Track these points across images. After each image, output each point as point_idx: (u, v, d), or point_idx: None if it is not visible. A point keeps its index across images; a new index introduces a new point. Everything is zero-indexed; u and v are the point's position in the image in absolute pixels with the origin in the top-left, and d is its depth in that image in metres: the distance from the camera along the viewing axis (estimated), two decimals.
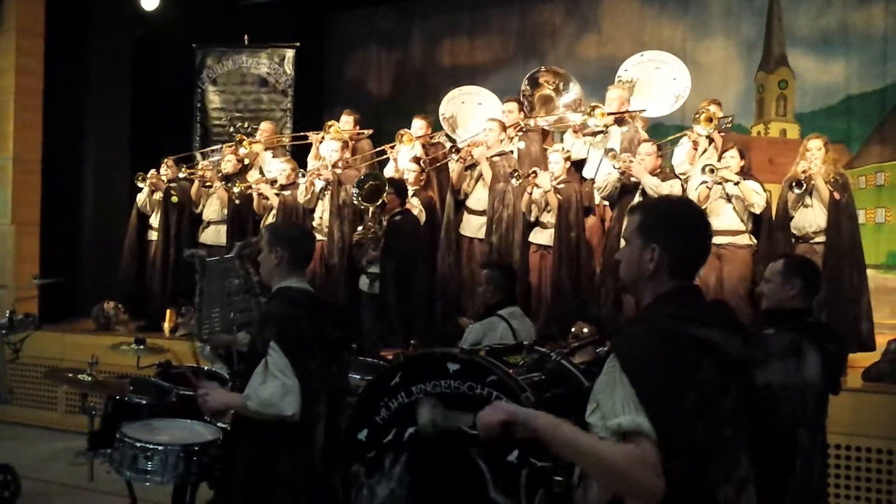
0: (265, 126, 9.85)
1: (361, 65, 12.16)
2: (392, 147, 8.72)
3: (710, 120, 7.00)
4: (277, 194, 8.64)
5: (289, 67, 10.98)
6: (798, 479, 3.71)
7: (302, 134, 9.37)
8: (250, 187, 8.89)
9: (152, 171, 9.46)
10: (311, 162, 8.99)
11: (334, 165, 8.39)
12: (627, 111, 7.76)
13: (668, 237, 2.36)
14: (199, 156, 10.16)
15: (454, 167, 8.03)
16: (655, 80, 8.09)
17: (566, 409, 2.82)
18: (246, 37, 11.18)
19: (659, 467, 2.11)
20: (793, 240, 6.74)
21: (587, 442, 2.24)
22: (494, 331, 5.39)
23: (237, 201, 8.81)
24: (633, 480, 2.13)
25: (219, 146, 10.38)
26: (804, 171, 6.62)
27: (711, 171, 6.74)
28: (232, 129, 10.98)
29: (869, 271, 7.03)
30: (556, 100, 8.61)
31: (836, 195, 6.53)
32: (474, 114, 8.89)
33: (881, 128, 8.84)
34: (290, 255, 3.78)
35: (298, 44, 10.98)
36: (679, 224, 2.41)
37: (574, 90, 8.56)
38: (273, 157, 9.48)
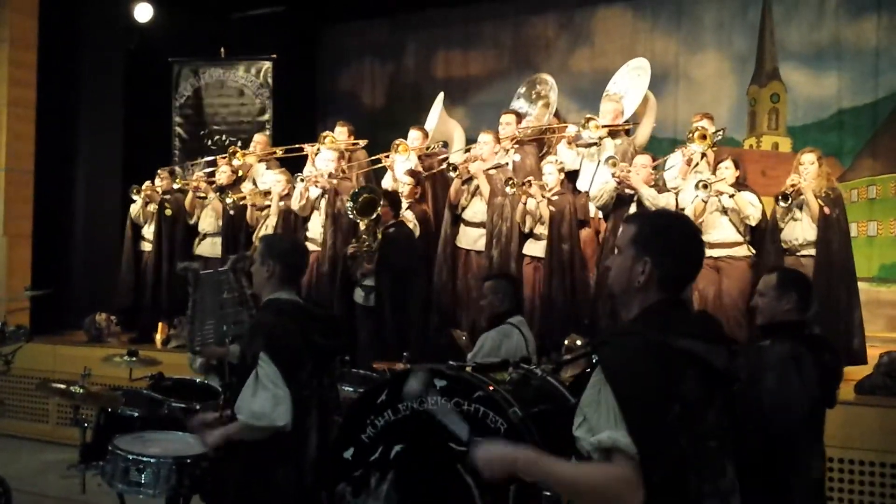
0: (259, 138, 9.83)
1: (355, 77, 12.17)
2: (387, 156, 8.73)
3: (703, 137, 7.02)
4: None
5: (266, 79, 10.98)
6: (798, 491, 3.70)
7: (297, 146, 9.37)
8: (244, 198, 8.88)
9: (147, 183, 9.45)
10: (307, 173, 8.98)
11: (331, 175, 8.39)
12: (621, 126, 7.78)
13: (662, 252, 2.36)
14: (177, 169, 10.15)
15: (452, 183, 8.04)
16: (639, 87, 8.13)
17: (553, 425, 2.82)
18: (223, 49, 11.18)
19: (638, 482, 2.12)
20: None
21: (565, 470, 2.26)
22: (510, 339, 5.40)
23: (232, 213, 8.80)
24: (612, 499, 2.15)
25: (199, 160, 10.39)
26: (792, 185, 6.63)
27: (705, 186, 6.75)
28: (209, 142, 10.98)
29: (861, 285, 7.04)
30: (551, 100, 8.69)
31: (827, 210, 6.54)
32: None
33: (873, 141, 8.87)
34: (281, 269, 3.78)
35: (275, 55, 10.97)
36: (673, 240, 2.41)
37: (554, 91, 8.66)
38: (267, 168, 9.48)
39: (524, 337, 5.43)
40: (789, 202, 6.63)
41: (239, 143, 10.06)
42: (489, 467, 2.35)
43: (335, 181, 8.37)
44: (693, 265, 2.47)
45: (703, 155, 7.17)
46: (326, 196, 8.32)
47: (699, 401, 2.24)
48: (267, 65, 10.97)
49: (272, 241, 4.07)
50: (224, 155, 9.65)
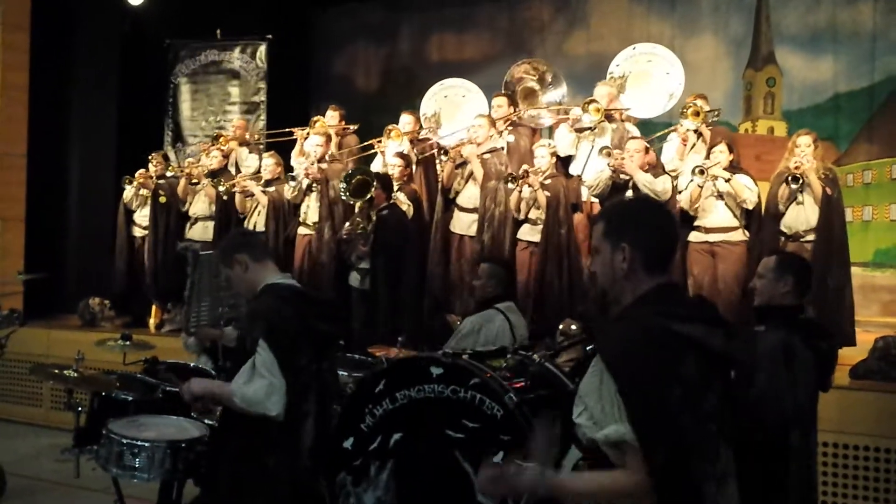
0: (237, 122, 9.78)
1: (349, 60, 12.11)
2: (379, 142, 8.68)
3: (697, 114, 7.01)
4: (264, 191, 8.60)
5: (261, 61, 10.91)
6: (792, 480, 3.70)
7: (287, 130, 9.32)
8: (235, 185, 8.83)
9: (140, 171, 9.39)
10: (295, 158, 8.94)
11: (319, 161, 8.35)
12: (618, 108, 7.75)
13: (635, 233, 2.40)
14: (171, 153, 10.11)
15: (445, 167, 7.98)
16: (647, 73, 8.07)
17: (551, 410, 2.81)
18: (218, 31, 11.11)
19: (645, 476, 2.16)
20: (782, 237, 6.71)
21: (585, 486, 2.30)
22: (492, 323, 5.37)
23: (225, 198, 8.76)
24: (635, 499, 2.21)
25: (193, 143, 10.36)
26: (797, 167, 6.60)
27: (702, 172, 6.73)
28: (204, 124, 10.93)
29: (856, 269, 7.05)
30: (540, 93, 8.61)
31: (829, 191, 6.53)
32: (460, 107, 8.87)
33: (869, 125, 8.86)
34: (248, 255, 3.78)
35: (270, 36, 10.90)
36: (643, 219, 2.46)
37: (559, 91, 8.56)
38: (249, 152, 9.45)
39: (510, 322, 5.40)
40: (800, 183, 6.60)
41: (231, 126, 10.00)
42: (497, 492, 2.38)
43: (325, 166, 8.34)
44: (669, 237, 2.52)
45: (700, 135, 7.15)
46: (318, 185, 8.27)
47: (698, 384, 2.25)
48: (262, 46, 10.91)
49: (221, 248, 4.02)
50: (207, 141, 9.62)
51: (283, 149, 9.30)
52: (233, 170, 9.30)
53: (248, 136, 9.70)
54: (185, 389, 3.78)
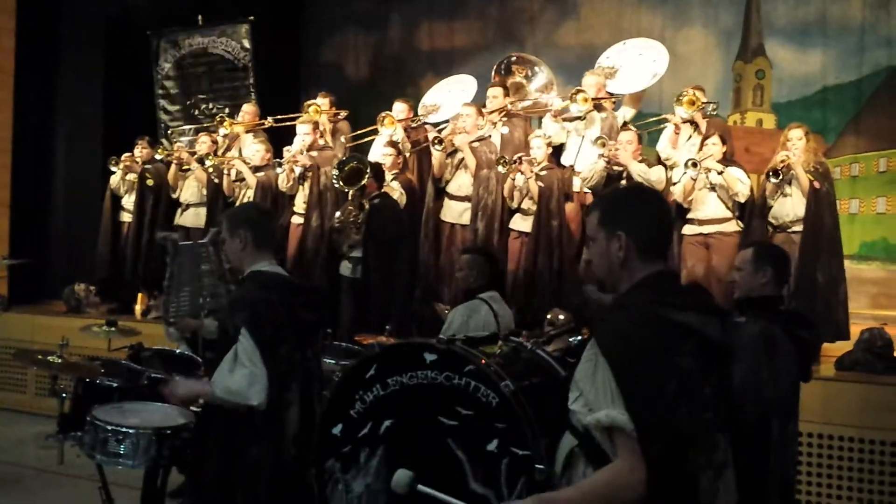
0: (248, 108, 9.69)
1: (339, 48, 12.04)
2: (376, 130, 8.63)
3: (692, 103, 6.99)
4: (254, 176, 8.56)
5: (245, 42, 10.83)
6: (771, 469, 3.71)
7: (294, 115, 9.22)
8: (223, 162, 8.76)
9: (126, 154, 9.33)
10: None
11: (309, 149, 8.31)
12: (608, 97, 7.74)
13: (630, 221, 2.38)
14: (164, 142, 10.05)
15: (436, 156, 7.96)
16: (637, 66, 8.06)
17: (544, 398, 2.80)
18: (200, 17, 11.03)
19: (639, 461, 2.13)
20: (770, 229, 6.74)
21: (573, 497, 2.26)
22: (478, 313, 5.36)
23: (216, 181, 8.70)
24: (621, 491, 2.17)
25: (188, 128, 10.29)
26: (783, 161, 6.62)
27: (694, 164, 6.74)
28: (196, 112, 10.86)
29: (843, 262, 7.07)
30: (528, 86, 8.61)
31: (816, 184, 6.54)
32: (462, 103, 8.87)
33: (857, 119, 8.87)
34: (253, 236, 3.73)
35: (252, 17, 10.82)
36: (638, 206, 2.45)
37: (542, 75, 8.55)
38: (254, 138, 9.39)
39: (493, 312, 5.40)
40: (780, 178, 6.62)
41: (226, 111, 9.91)
42: None
43: (315, 153, 8.30)
44: (664, 224, 2.54)
45: (696, 126, 7.14)
46: (309, 173, 8.23)
47: (696, 374, 2.23)
48: (244, 27, 10.83)
49: (235, 212, 4.02)
50: (212, 123, 9.55)
51: (278, 136, 9.22)
52: (236, 154, 9.21)
53: (268, 122, 9.53)
54: (170, 394, 3.75)
